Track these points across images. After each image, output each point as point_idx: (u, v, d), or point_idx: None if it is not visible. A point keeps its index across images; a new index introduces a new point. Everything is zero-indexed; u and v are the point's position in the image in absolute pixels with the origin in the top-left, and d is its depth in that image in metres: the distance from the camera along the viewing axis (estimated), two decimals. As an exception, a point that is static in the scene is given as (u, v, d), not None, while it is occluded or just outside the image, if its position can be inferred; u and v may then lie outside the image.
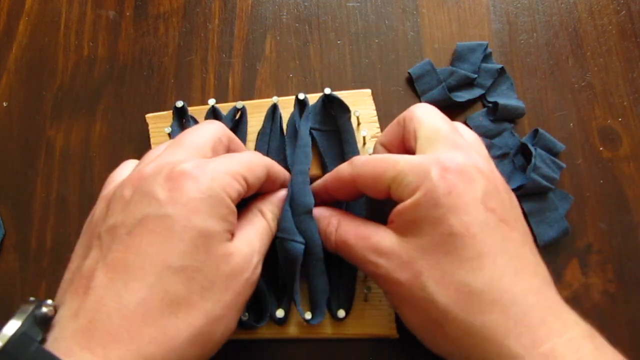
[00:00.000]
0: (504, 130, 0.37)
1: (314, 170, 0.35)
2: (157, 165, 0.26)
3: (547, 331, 0.24)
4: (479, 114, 0.38)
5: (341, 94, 0.36)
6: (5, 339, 0.21)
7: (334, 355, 0.33)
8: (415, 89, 0.39)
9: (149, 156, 0.29)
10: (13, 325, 0.21)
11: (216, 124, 0.30)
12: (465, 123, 0.38)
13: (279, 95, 0.37)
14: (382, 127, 0.37)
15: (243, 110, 0.36)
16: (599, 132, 0.37)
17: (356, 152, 0.34)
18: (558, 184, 0.36)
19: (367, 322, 0.32)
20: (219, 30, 0.42)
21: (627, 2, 0.40)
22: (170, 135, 0.36)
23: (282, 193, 0.32)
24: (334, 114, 0.36)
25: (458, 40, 0.40)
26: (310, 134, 0.35)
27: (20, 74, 0.42)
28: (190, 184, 0.25)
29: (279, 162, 0.34)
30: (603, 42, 0.40)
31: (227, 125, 0.35)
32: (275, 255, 0.32)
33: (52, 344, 0.22)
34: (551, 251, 0.35)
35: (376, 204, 0.31)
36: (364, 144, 0.36)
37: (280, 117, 0.36)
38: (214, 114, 0.37)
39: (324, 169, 0.35)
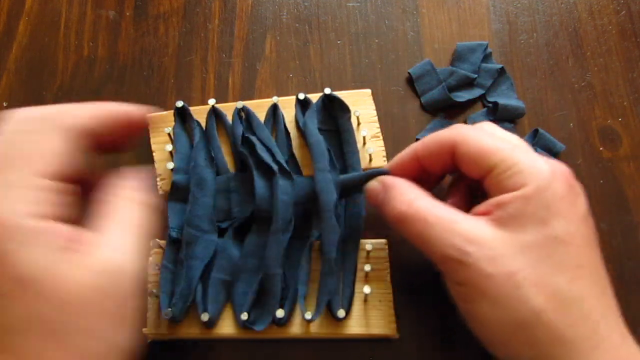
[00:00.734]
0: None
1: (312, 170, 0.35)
2: None
3: (626, 351, 0.24)
4: (479, 114, 0.38)
5: (341, 94, 0.36)
6: None
7: (334, 355, 0.33)
8: (415, 89, 0.39)
9: None
10: None
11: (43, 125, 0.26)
12: (465, 123, 0.38)
13: (279, 95, 0.37)
14: (382, 127, 0.36)
15: (245, 109, 0.36)
16: (599, 132, 0.37)
17: (356, 152, 0.34)
18: (558, 184, 0.36)
19: (367, 322, 0.32)
20: (219, 30, 0.42)
21: (627, 2, 0.41)
22: (171, 136, 0.36)
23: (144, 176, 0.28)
24: (334, 114, 0.36)
25: (458, 40, 0.40)
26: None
27: (20, 74, 0.42)
28: None
29: (285, 161, 0.34)
30: (603, 42, 0.40)
31: (238, 129, 0.35)
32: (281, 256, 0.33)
33: None
34: (551, 251, 0.35)
35: None
36: (364, 144, 0.36)
37: (283, 116, 0.36)
38: (214, 114, 0.37)
39: None
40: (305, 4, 0.42)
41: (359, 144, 0.36)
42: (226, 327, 0.32)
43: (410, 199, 0.28)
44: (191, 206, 0.33)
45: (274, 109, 0.36)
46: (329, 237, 0.31)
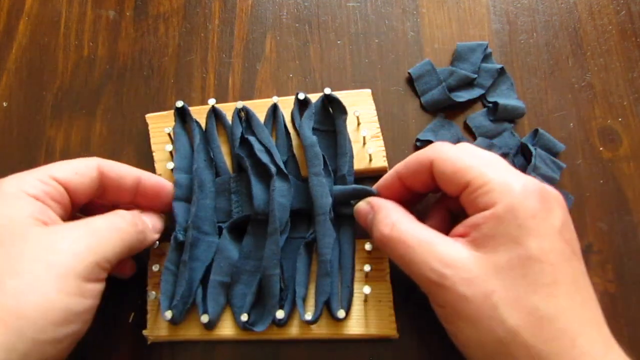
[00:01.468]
0: (504, 130, 0.37)
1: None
2: None
3: None
4: (479, 114, 0.38)
5: (341, 94, 0.36)
6: None
7: (334, 355, 0.33)
8: (415, 89, 0.39)
9: None
10: None
11: (83, 158, 0.30)
12: (465, 123, 0.38)
13: (279, 95, 0.37)
14: (382, 127, 0.37)
15: (245, 109, 0.36)
16: (599, 132, 0.37)
17: (345, 154, 0.34)
18: (558, 184, 0.36)
19: (367, 322, 0.32)
20: (219, 30, 0.42)
21: (627, 2, 0.40)
22: (171, 136, 0.36)
23: (152, 216, 0.32)
24: (332, 115, 0.36)
25: (458, 40, 0.40)
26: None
27: (20, 74, 0.42)
28: None
29: (285, 161, 0.35)
30: (603, 42, 0.40)
31: (237, 130, 0.35)
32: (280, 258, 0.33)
33: None
34: (551, 251, 0.35)
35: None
36: (364, 143, 0.36)
37: (283, 116, 0.36)
38: (214, 114, 0.37)
39: None
40: (305, 4, 0.42)
41: (359, 144, 0.36)
42: (226, 329, 0.32)
43: (393, 222, 0.28)
44: (193, 208, 0.33)
45: (274, 109, 0.36)
46: (323, 239, 0.31)
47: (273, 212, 0.32)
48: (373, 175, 0.36)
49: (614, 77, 0.39)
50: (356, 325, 0.32)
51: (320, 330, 0.32)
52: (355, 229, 0.34)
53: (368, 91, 0.37)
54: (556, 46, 0.40)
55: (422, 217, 0.30)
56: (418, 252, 0.27)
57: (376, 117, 0.37)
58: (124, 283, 0.34)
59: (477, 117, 0.38)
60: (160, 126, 0.37)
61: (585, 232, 0.35)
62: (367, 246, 0.33)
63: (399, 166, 0.31)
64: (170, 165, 0.35)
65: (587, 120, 0.37)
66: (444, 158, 0.28)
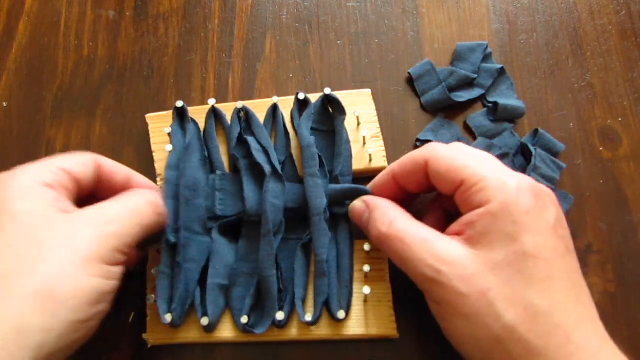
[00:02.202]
0: (504, 130, 0.37)
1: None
2: None
3: (604, 358, 0.24)
4: (479, 114, 0.38)
5: (341, 94, 0.36)
6: None
7: (334, 355, 0.33)
8: (415, 89, 0.39)
9: None
10: None
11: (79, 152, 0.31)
12: (465, 123, 0.38)
13: (279, 95, 0.37)
14: (382, 127, 0.37)
15: (245, 109, 0.36)
16: (599, 132, 0.37)
17: (341, 155, 0.34)
18: (558, 184, 0.36)
19: (368, 322, 0.32)
20: (219, 30, 0.42)
21: (627, 2, 0.40)
22: (170, 136, 0.36)
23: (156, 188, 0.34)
24: (331, 115, 0.36)
25: (458, 40, 0.40)
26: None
27: (20, 74, 0.42)
28: None
29: (283, 161, 0.34)
30: (603, 42, 0.40)
31: (235, 130, 0.35)
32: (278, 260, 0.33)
33: None
34: (551, 251, 0.35)
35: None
36: (364, 143, 0.36)
37: (282, 116, 0.36)
38: (214, 114, 0.37)
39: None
40: (305, 4, 0.42)
41: (359, 144, 0.36)
42: (226, 331, 0.32)
43: (390, 220, 0.28)
44: (183, 208, 0.33)
45: (274, 109, 0.36)
46: (319, 240, 0.31)
47: (266, 214, 0.32)
48: (373, 175, 0.36)
49: (614, 77, 0.39)
50: (356, 325, 0.32)
51: (321, 331, 0.32)
52: (352, 229, 0.34)
53: (368, 91, 0.37)
54: (556, 46, 0.40)
55: (417, 216, 0.30)
56: (414, 249, 0.27)
57: (376, 117, 0.37)
58: (124, 283, 0.34)
59: (477, 117, 0.38)
60: (160, 126, 0.37)
61: (585, 232, 0.35)
62: (366, 246, 0.33)
63: (394, 166, 0.31)
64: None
65: (587, 120, 0.37)
66: (439, 157, 0.28)
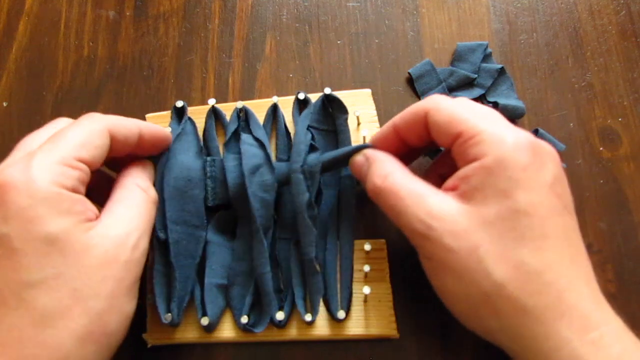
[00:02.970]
0: (504, 130, 0.37)
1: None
2: None
3: (596, 319, 0.24)
4: (479, 114, 0.38)
5: (341, 94, 0.36)
6: None
7: (334, 355, 0.33)
8: (415, 89, 0.39)
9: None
10: None
11: (90, 119, 0.28)
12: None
13: (279, 95, 0.37)
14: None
15: (245, 109, 0.36)
16: (599, 132, 0.37)
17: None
18: (558, 184, 0.36)
19: (368, 322, 0.32)
20: (219, 30, 0.42)
21: (627, 2, 0.40)
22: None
23: (149, 168, 0.32)
24: (332, 114, 0.36)
25: (458, 40, 0.40)
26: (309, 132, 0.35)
27: (20, 74, 0.42)
28: (15, 194, 0.24)
29: (284, 161, 0.34)
30: (603, 42, 0.40)
31: (233, 125, 0.35)
32: (276, 259, 0.33)
33: None
34: (551, 251, 0.35)
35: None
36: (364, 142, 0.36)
37: (283, 116, 0.36)
38: (214, 114, 0.37)
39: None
40: (305, 4, 0.42)
41: (359, 143, 0.36)
42: (226, 331, 0.33)
43: (387, 173, 0.28)
44: (178, 201, 0.32)
45: (274, 109, 0.36)
46: (305, 238, 0.31)
47: (253, 211, 0.31)
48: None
49: (614, 77, 0.39)
50: (356, 325, 0.32)
51: (321, 331, 0.32)
52: (354, 230, 0.33)
53: (368, 91, 0.37)
54: (556, 46, 0.40)
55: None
56: (407, 203, 0.26)
57: (376, 117, 0.37)
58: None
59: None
60: (161, 126, 0.37)
61: (585, 232, 0.35)
62: (367, 246, 0.33)
63: (396, 118, 0.30)
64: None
65: (587, 120, 0.37)
66: (439, 109, 0.27)
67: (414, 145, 0.30)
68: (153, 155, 0.33)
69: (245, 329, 0.32)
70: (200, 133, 0.36)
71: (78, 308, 0.24)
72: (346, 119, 0.35)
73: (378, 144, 0.31)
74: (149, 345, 0.33)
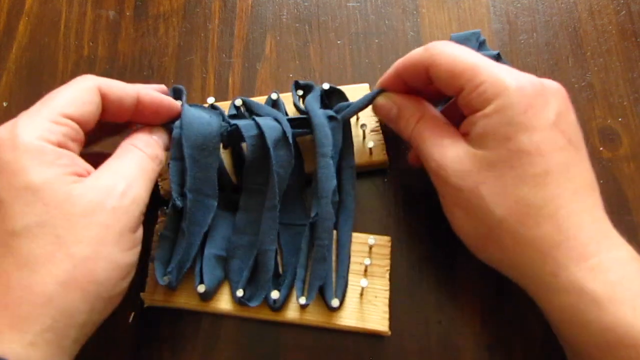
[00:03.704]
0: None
1: (310, 166, 0.35)
2: None
3: (596, 247, 0.25)
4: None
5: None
6: None
7: (333, 355, 0.33)
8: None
9: None
10: None
11: (79, 79, 0.29)
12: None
13: (279, 95, 0.37)
14: (381, 123, 0.36)
15: (244, 100, 0.35)
16: (599, 132, 0.37)
17: (351, 146, 0.34)
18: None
19: (361, 316, 0.32)
20: (219, 30, 0.42)
21: (627, 2, 0.41)
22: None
23: (159, 133, 0.31)
24: (331, 108, 0.35)
25: (458, 40, 0.40)
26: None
27: (20, 74, 0.42)
28: (1, 148, 0.25)
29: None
30: (603, 42, 0.40)
31: (231, 112, 0.35)
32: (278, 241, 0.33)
33: None
34: (551, 251, 0.35)
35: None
36: (364, 137, 0.36)
37: (284, 104, 0.36)
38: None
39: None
40: (305, 4, 0.42)
41: (359, 138, 0.36)
42: (223, 303, 0.33)
43: (415, 120, 0.31)
44: (192, 169, 0.31)
45: (275, 100, 0.36)
46: (323, 223, 0.31)
47: (273, 187, 0.31)
48: (374, 169, 0.36)
49: (614, 77, 0.39)
50: (350, 317, 0.32)
51: (313, 317, 0.32)
52: (354, 220, 0.34)
53: (366, 85, 0.37)
54: (556, 46, 0.40)
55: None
56: (428, 147, 0.29)
57: (374, 112, 0.36)
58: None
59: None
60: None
61: (586, 232, 0.35)
62: (370, 240, 0.33)
63: (399, 66, 0.31)
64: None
65: (587, 120, 0.37)
66: (439, 64, 0.28)
67: (421, 89, 0.32)
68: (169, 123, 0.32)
69: (240, 302, 0.32)
70: None
71: (60, 254, 0.24)
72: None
73: (387, 87, 0.33)
74: (145, 305, 0.33)
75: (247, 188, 0.34)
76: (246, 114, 0.35)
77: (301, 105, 0.35)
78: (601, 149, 0.37)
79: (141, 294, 0.33)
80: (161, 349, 0.33)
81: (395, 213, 0.36)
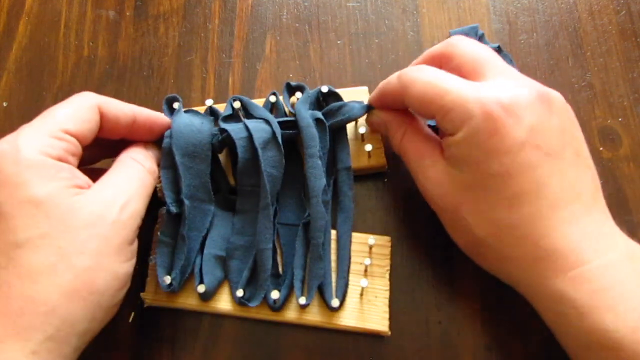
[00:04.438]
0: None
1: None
2: None
3: (579, 257, 0.26)
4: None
5: (338, 92, 0.36)
6: None
7: (333, 355, 0.33)
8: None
9: None
10: None
11: (79, 96, 0.29)
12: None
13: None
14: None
15: (240, 98, 0.35)
16: (599, 132, 0.37)
17: (346, 147, 0.34)
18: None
19: (361, 316, 0.32)
20: (219, 30, 0.42)
21: (627, 2, 0.40)
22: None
23: (152, 148, 0.33)
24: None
25: (458, 40, 0.40)
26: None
27: (20, 74, 0.42)
28: (2, 163, 0.26)
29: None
30: (603, 42, 0.40)
31: (227, 111, 0.35)
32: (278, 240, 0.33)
33: None
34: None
35: None
36: (362, 140, 0.36)
37: (282, 105, 0.36)
38: (211, 114, 0.36)
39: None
40: (305, 4, 0.42)
41: (358, 141, 0.36)
42: (223, 303, 0.33)
43: (400, 135, 0.32)
44: (184, 176, 0.32)
45: (273, 102, 0.36)
46: (316, 223, 0.32)
47: (264, 187, 0.32)
48: (372, 173, 0.36)
49: (614, 77, 0.38)
50: (350, 317, 0.32)
51: (314, 317, 0.32)
52: (353, 221, 0.34)
53: (365, 88, 0.37)
54: (556, 46, 0.40)
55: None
56: (412, 163, 0.31)
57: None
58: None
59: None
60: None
61: (585, 232, 0.35)
62: (370, 240, 0.33)
63: (378, 94, 0.32)
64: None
65: (587, 120, 0.37)
66: (409, 94, 0.29)
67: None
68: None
69: (240, 302, 0.32)
70: None
71: (63, 264, 0.25)
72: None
73: (376, 104, 0.34)
74: (145, 305, 0.33)
75: (242, 190, 0.34)
76: (242, 112, 0.36)
77: (292, 108, 0.35)
78: (601, 149, 0.37)
79: (141, 294, 0.33)
80: (161, 349, 0.33)
81: (395, 213, 0.36)
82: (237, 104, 0.35)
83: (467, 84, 0.27)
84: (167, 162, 0.33)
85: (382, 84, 0.32)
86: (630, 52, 0.39)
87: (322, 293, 0.32)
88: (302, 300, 0.32)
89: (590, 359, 0.26)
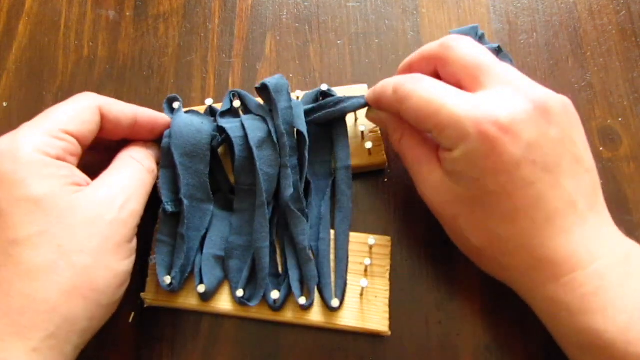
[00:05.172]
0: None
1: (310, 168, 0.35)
2: None
3: (573, 264, 0.26)
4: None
5: (338, 90, 0.36)
6: None
7: (333, 355, 0.33)
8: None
9: None
10: None
11: (80, 97, 0.30)
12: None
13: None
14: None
15: (239, 92, 0.35)
16: (599, 132, 0.37)
17: (346, 147, 0.34)
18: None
19: (362, 316, 0.32)
20: (219, 30, 0.42)
21: (627, 2, 0.40)
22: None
23: (152, 147, 0.33)
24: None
25: (458, 40, 0.40)
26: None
27: (20, 74, 0.42)
28: (1, 160, 0.26)
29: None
30: (603, 42, 0.40)
31: (225, 106, 0.35)
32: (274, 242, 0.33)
33: None
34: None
35: None
36: (363, 138, 0.36)
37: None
38: (211, 113, 0.36)
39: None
40: (305, 4, 0.42)
41: (358, 139, 0.36)
42: (223, 303, 0.33)
43: (398, 137, 0.32)
44: (183, 176, 0.32)
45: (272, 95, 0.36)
46: (296, 228, 0.32)
47: (260, 185, 0.32)
48: (372, 170, 0.36)
49: (614, 77, 0.38)
50: (350, 317, 0.32)
51: (314, 317, 0.32)
52: (353, 220, 0.34)
53: (364, 86, 0.37)
54: (556, 46, 0.40)
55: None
56: (410, 167, 0.32)
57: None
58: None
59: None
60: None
61: (585, 232, 0.35)
62: (370, 240, 0.33)
63: (377, 96, 0.32)
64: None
65: (587, 120, 0.37)
66: (405, 110, 0.29)
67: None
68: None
69: (240, 302, 0.32)
70: None
71: (62, 262, 0.25)
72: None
73: (372, 104, 0.34)
74: (145, 305, 0.33)
75: (239, 190, 0.34)
76: (242, 108, 0.36)
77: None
78: (601, 149, 0.37)
79: (141, 294, 0.33)
80: (161, 349, 0.33)
81: (395, 213, 0.36)
82: (237, 103, 0.35)
83: (464, 99, 0.27)
84: (166, 161, 0.33)
85: (378, 88, 0.32)
86: (630, 52, 0.39)
87: (321, 293, 0.32)
88: (302, 301, 0.32)
89: (585, 358, 0.27)
